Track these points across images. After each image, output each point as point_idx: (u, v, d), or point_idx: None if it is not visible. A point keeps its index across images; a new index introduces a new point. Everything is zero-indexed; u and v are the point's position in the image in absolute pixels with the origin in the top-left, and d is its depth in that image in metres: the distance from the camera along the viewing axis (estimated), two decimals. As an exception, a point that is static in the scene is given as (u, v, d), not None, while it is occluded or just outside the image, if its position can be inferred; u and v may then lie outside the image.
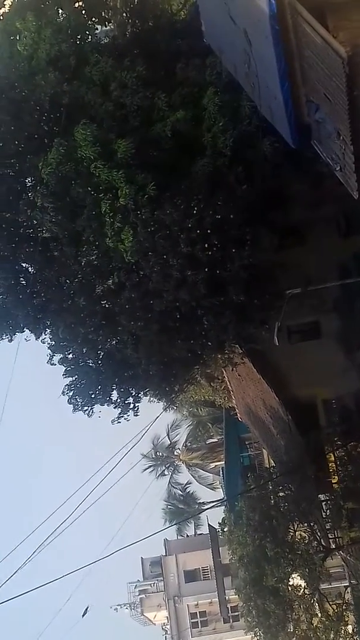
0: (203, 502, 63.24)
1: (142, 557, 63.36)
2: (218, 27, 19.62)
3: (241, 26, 17.08)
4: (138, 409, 25.46)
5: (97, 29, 24.28)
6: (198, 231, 20.60)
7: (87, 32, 23.61)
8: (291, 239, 23.86)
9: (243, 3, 16.31)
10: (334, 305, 26.83)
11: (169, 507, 63.82)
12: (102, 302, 22.85)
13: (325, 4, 14.50)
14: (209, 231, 20.69)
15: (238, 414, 40.81)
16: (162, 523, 61.41)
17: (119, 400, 24.99)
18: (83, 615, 43.93)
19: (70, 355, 24.70)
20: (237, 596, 37.43)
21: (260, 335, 24.64)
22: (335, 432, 29.97)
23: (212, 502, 59.44)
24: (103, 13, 24.29)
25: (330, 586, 35.95)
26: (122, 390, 25.00)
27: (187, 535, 64.96)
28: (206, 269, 20.97)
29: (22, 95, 22.17)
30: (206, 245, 20.77)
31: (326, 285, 25.54)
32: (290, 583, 30.34)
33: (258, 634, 32.87)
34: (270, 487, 31.57)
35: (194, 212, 20.59)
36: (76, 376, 24.69)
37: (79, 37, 23.23)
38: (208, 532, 58.47)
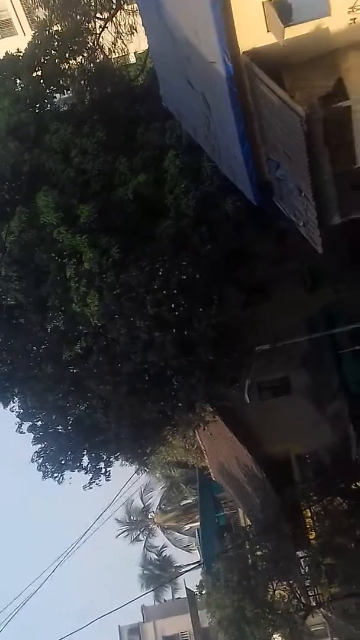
0: (179, 565, 62.37)
1: (119, 626, 62.08)
2: (176, 91, 19.91)
3: (199, 90, 17.34)
4: (110, 473, 25.20)
5: (55, 97, 24.57)
6: (164, 292, 20.60)
7: (46, 101, 23.88)
8: (257, 295, 23.98)
9: (200, 67, 16.57)
10: (302, 360, 26.87)
11: (145, 572, 62.86)
12: (70, 368, 22.65)
13: (282, 65, 14.80)
14: (175, 291, 20.70)
15: (212, 474, 40.51)
16: (139, 589, 60.43)
17: (90, 465, 24.71)
18: None
19: (40, 422, 24.44)
20: (218, 661, 36.72)
21: (231, 393, 24.58)
22: (310, 487, 29.79)
23: (189, 564, 58.65)
24: (61, 81, 24.50)
25: (312, 645, 35.44)
26: (93, 455, 24.73)
27: (165, 600, 63.91)
28: (174, 330, 20.94)
29: (-18, 165, 22.22)
30: (173, 306, 20.76)
31: (294, 341, 25.58)
32: (272, 644, 29.86)
33: None
34: (247, 547, 31.20)
35: (160, 273, 20.62)
36: (46, 443, 24.41)
37: (38, 105, 23.46)
38: (186, 595, 57.61)
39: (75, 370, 22.78)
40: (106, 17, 27.96)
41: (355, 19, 14.77)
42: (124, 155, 21.49)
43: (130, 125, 22.72)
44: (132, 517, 62.41)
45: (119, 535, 62.19)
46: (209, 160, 20.52)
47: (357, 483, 28.82)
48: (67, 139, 21.94)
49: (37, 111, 23.35)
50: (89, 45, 26.36)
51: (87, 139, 21.55)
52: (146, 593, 60.33)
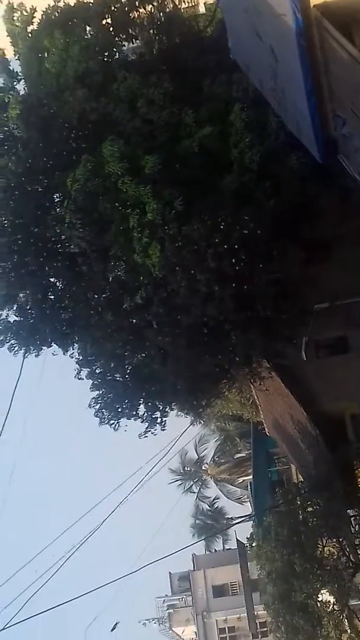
0: (231, 517, 63.04)
1: (170, 572, 63.22)
2: (244, 43, 19.67)
3: (267, 42, 17.12)
4: (165, 423, 25.49)
5: (124, 46, 24.48)
6: (225, 246, 20.61)
7: (115, 49, 23.82)
8: (319, 253, 23.78)
9: (269, 19, 16.35)
10: (361, 320, 26.73)
11: (197, 522, 63.68)
12: (130, 318, 22.89)
13: (352, 20, 14.53)
14: (236, 246, 20.69)
15: (266, 429, 40.70)
16: (191, 538, 61.30)
17: (146, 414, 25.02)
18: (112, 630, 44.00)
19: (98, 370, 24.76)
20: (265, 612, 37.21)
21: (288, 350, 24.58)
22: (364, 447, 29.83)
23: (241, 517, 59.23)
24: (130, 30, 24.40)
25: (359, 602, 35.67)
26: (149, 404, 25.03)
27: (216, 550, 64.76)
28: (233, 284, 20.97)
29: (51, 112, 22.36)
30: (233, 260, 20.77)
31: (354, 300, 25.44)
32: (319, 599, 30.14)
33: (287, 649, 32.66)
34: (299, 502, 31.47)
35: (221, 227, 20.60)
36: (103, 390, 24.76)
37: (106, 54, 23.43)
38: (236, 547, 58.25)
39: (135, 320, 23.01)
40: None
41: None
42: (190, 107, 21.38)
43: (197, 77, 22.54)
44: (186, 468, 63.12)
45: (171, 483, 63.01)
46: (274, 115, 20.30)
47: None
48: (135, 88, 21.88)
49: (105, 59, 23.32)
50: (158, -6, 26.11)
51: (154, 89, 21.46)
52: (197, 542, 61.20)
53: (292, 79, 16.25)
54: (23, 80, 24.13)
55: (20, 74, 24.05)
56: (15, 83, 23.82)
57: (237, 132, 21.15)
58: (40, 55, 23.59)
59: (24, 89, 24.12)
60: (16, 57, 24.40)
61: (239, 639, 59.49)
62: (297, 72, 15.51)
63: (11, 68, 24.01)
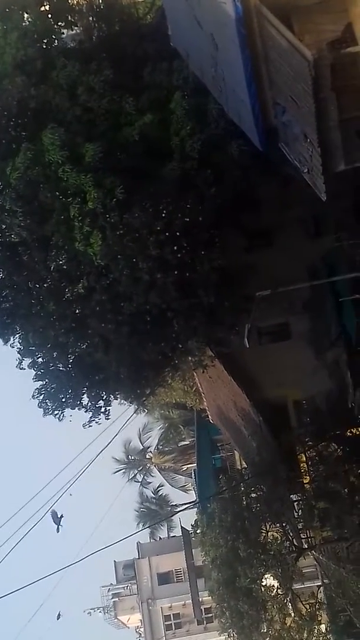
0: (175, 505, 63.28)
1: (115, 561, 63.21)
2: (184, 31, 19.70)
3: (208, 30, 17.18)
4: (109, 412, 25.44)
5: (63, 33, 24.29)
6: (167, 234, 20.63)
7: (54, 36, 23.62)
8: (260, 240, 24.01)
9: (209, 7, 16.40)
10: (303, 307, 27.00)
11: (141, 509, 63.80)
12: (72, 306, 22.78)
13: (291, 7, 14.64)
14: (178, 234, 20.73)
15: (209, 416, 40.88)
16: (135, 526, 61.40)
17: (89, 403, 24.93)
18: (57, 619, 43.90)
19: (40, 360, 24.62)
20: (210, 598, 37.43)
21: (231, 337, 24.73)
22: (306, 432, 30.10)
23: (185, 504, 59.50)
24: (69, 17, 24.20)
25: (303, 586, 36.10)
26: (93, 393, 24.94)
27: (160, 538, 64.97)
28: (176, 272, 21.02)
29: (-11, 99, 22.08)
30: (175, 248, 20.80)
31: (295, 287, 25.66)
32: (263, 583, 30.38)
33: (232, 634, 32.84)
34: (242, 489, 31.64)
35: (163, 215, 20.61)
36: (46, 380, 24.63)
37: (45, 41, 23.20)
38: (181, 534, 58.45)
39: (77, 309, 22.91)
40: None
41: None
42: (130, 94, 21.32)
43: (138, 65, 22.48)
44: (130, 457, 63.16)
45: (115, 472, 63.01)
46: (215, 103, 20.37)
47: (352, 430, 29.10)
48: (74, 76, 21.73)
49: (44, 47, 23.09)
50: (98, -19, 25.97)
51: (94, 77, 21.35)
52: (142, 530, 61.34)
53: (232, 67, 16.33)
54: None
55: None
56: None
57: (177, 120, 21.15)
58: (-23, 43, 23.27)
59: None
60: None
61: (184, 625, 59.77)
62: (237, 60, 15.60)
63: None
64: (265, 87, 16.03)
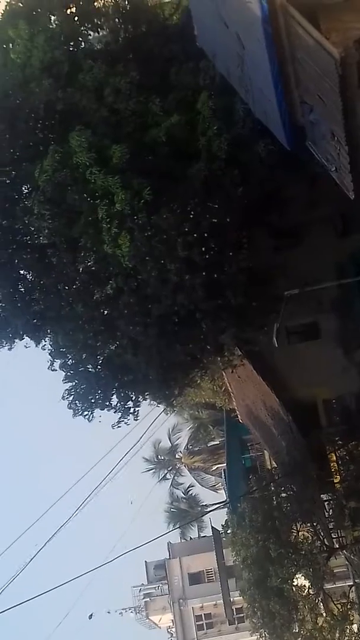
0: (206, 505, 63.30)
1: (146, 561, 63.39)
2: (210, 31, 19.66)
3: (234, 30, 17.12)
4: (138, 413, 25.51)
5: (90, 35, 24.38)
6: (195, 235, 20.61)
7: (80, 39, 23.75)
8: (288, 240, 23.92)
9: (235, 7, 16.35)
10: (332, 306, 26.87)
11: (172, 510, 63.87)
12: (101, 308, 22.85)
13: (317, 5, 14.54)
14: (205, 235, 20.72)
15: (239, 416, 40.89)
16: (166, 526, 61.50)
17: (118, 404, 24.99)
18: (89, 619, 44.11)
19: (70, 361, 24.70)
20: (241, 598, 37.41)
21: (259, 337, 24.68)
22: (336, 431, 30.06)
23: (215, 504, 59.54)
24: (95, 19, 24.30)
25: (334, 586, 35.99)
26: (121, 394, 25.01)
27: (191, 538, 65.03)
28: (204, 273, 20.99)
29: (17, 103, 22.22)
30: (203, 249, 20.78)
31: (324, 286, 25.57)
32: (295, 583, 30.38)
33: (263, 635, 32.85)
34: (273, 488, 31.63)
35: (191, 216, 20.61)
36: (76, 381, 24.71)
37: (72, 43, 23.36)
38: (211, 534, 58.48)
39: (105, 311, 22.98)
40: None
41: None
42: (157, 95, 21.36)
43: (164, 65, 22.53)
44: (159, 457, 63.25)
45: (145, 472, 63.14)
46: (242, 103, 20.30)
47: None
48: (101, 77, 21.84)
49: (71, 49, 23.25)
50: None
51: (120, 78, 21.43)
52: (172, 530, 61.41)
53: (258, 67, 16.27)
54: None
55: (-16, 65, 23.85)
56: (-20, 74, 23.62)
57: (204, 120, 21.16)
58: (5, 46, 23.45)
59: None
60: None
61: (216, 626, 59.79)
62: (264, 59, 15.53)
63: (-25, 59, 23.80)
64: (292, 86, 15.95)
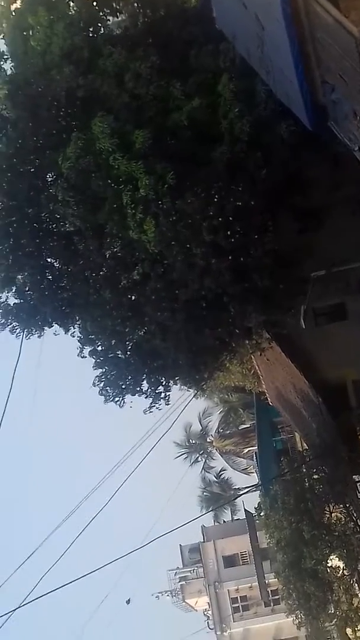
0: (238, 488, 63.45)
1: (180, 545, 63.79)
2: (229, 12, 19.57)
3: (252, 10, 17.03)
4: (169, 397, 25.56)
5: (109, 20, 24.33)
6: (220, 219, 20.55)
7: (99, 24, 23.70)
8: (313, 221, 23.75)
9: (253, -13, 16.28)
10: (358, 286, 26.72)
11: (204, 493, 64.09)
12: (128, 294, 22.90)
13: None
14: (230, 218, 20.64)
15: (268, 399, 40.89)
16: (199, 510, 61.75)
17: (149, 389, 25.06)
18: (127, 602, 44.58)
19: (100, 348, 24.79)
20: (276, 579, 37.57)
21: (287, 320, 24.61)
22: (366, 412, 29.95)
23: (247, 487, 59.58)
24: (114, 4, 24.24)
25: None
26: (152, 379, 25.06)
27: (224, 521, 65.30)
28: (230, 257, 20.95)
29: (38, 90, 22.25)
30: (229, 233, 20.71)
31: (350, 266, 25.43)
32: (329, 564, 30.44)
33: (299, 616, 32.99)
34: (304, 470, 31.65)
35: (215, 199, 20.54)
36: (106, 368, 24.78)
37: (91, 29, 23.30)
38: (245, 517, 58.66)
39: (133, 297, 23.03)
40: None
41: None
42: (177, 79, 21.27)
43: (184, 49, 22.40)
44: (191, 441, 63.44)
45: (177, 457, 63.38)
46: (263, 84, 20.19)
47: None
48: (121, 63, 21.76)
49: (90, 35, 23.20)
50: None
51: (140, 63, 21.35)
52: (206, 513, 61.68)
53: (278, 47, 16.19)
54: (9, 60, 23.97)
55: (6, 53, 23.89)
56: (1, 63, 23.64)
57: (225, 102, 21.04)
58: (25, 33, 23.48)
59: (10, 68, 23.97)
60: (1, 37, 24.29)
61: (252, 608, 60.11)
62: (284, 39, 15.45)
63: (-4, 48, 23.87)
64: (312, 66, 15.85)
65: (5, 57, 23.83)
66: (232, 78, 20.99)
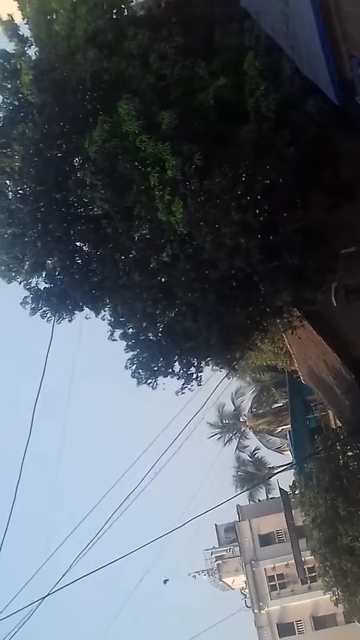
0: (272, 467, 63.48)
1: (216, 524, 63.97)
2: (253, -11, 19.42)
3: (277, -14, 16.88)
4: (201, 378, 25.59)
5: (132, 1, 24.24)
6: (248, 197, 20.48)
7: (123, 6, 23.63)
8: (342, 197, 23.57)
9: None
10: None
11: (239, 473, 64.19)
12: (158, 276, 22.92)
13: None
14: (259, 197, 20.56)
15: (301, 377, 40.77)
16: (234, 490, 61.88)
17: (181, 371, 25.11)
18: (165, 582, 44.92)
19: (131, 330, 24.86)
20: (313, 557, 37.60)
21: (318, 297, 24.51)
22: None
23: (282, 465, 59.68)
24: (137, -15, 24.22)
25: None
26: (184, 361, 25.11)
27: (259, 500, 65.36)
28: (259, 235, 20.87)
29: (63, 75, 22.27)
30: (257, 211, 20.63)
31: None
32: (365, 541, 30.39)
33: (336, 593, 33.02)
34: (339, 448, 31.58)
35: (243, 178, 20.46)
36: (138, 350, 24.87)
37: (114, 11, 23.28)
38: (279, 495, 58.69)
39: (163, 278, 23.04)
40: None
41: None
42: (202, 59, 21.18)
43: (208, 28, 22.31)
44: (224, 421, 63.48)
45: (211, 437, 63.46)
46: (288, 61, 20.02)
47: None
48: (146, 44, 21.70)
49: (114, 17, 23.16)
50: None
51: (165, 44, 21.28)
52: (241, 493, 61.74)
53: (304, 22, 16.02)
54: (34, 44, 23.97)
55: (30, 38, 23.89)
56: (26, 48, 23.63)
57: (251, 80, 20.92)
58: (48, 17, 23.48)
59: (35, 53, 23.97)
60: (25, 22, 24.26)
61: (289, 585, 60.20)
62: (309, 14, 15.28)
63: (21, 33, 23.80)
64: (339, 40, 15.67)
65: (30, 42, 23.82)
66: (257, 56, 20.86)
